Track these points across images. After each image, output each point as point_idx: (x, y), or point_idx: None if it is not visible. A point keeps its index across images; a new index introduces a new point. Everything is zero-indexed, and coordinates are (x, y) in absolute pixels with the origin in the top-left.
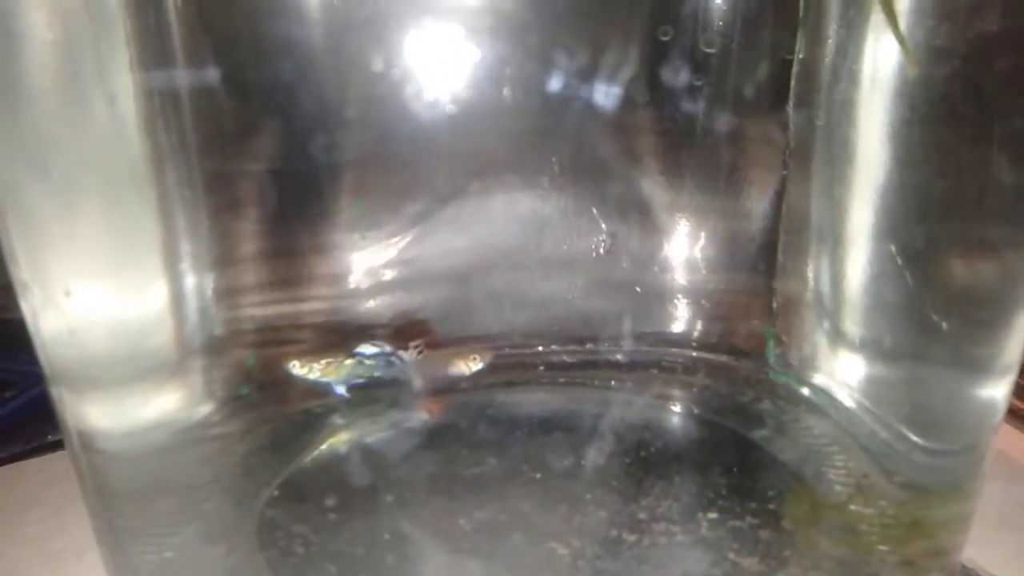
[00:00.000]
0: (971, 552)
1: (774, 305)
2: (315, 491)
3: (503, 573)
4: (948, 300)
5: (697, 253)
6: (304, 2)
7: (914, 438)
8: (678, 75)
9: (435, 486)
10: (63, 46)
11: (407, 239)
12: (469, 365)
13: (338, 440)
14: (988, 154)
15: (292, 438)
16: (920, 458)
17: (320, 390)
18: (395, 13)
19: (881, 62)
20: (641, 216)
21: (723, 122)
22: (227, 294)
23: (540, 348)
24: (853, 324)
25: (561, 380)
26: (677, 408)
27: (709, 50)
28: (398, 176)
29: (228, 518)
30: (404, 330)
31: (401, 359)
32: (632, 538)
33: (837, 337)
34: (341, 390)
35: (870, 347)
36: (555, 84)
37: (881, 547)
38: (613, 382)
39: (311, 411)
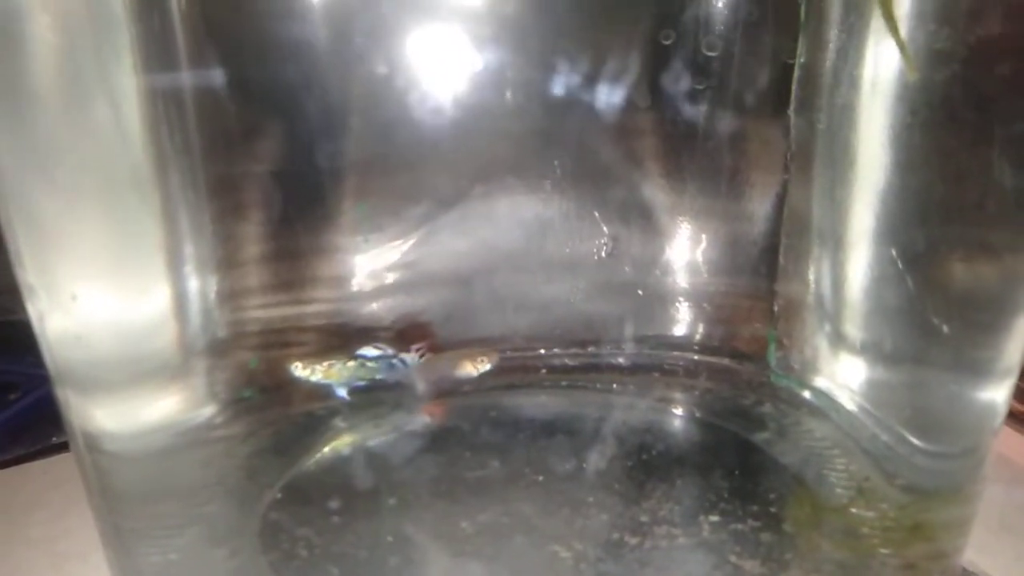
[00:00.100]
0: (972, 555)
1: (775, 308)
2: (318, 493)
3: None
4: (949, 303)
5: (699, 256)
6: (308, 6)
7: (915, 441)
8: (680, 79)
9: (438, 489)
10: (66, 50)
11: (410, 242)
12: (477, 367)
13: (341, 443)
14: (988, 158)
15: (295, 440)
16: (921, 461)
17: (323, 392)
18: (398, 17)
19: (882, 67)
20: (643, 219)
21: (725, 126)
22: (230, 296)
23: (542, 351)
24: (854, 327)
25: (563, 383)
26: (679, 411)
27: (711, 54)
28: (401, 179)
29: (231, 520)
30: (406, 333)
31: (403, 362)
32: (634, 541)
33: (838, 340)
34: (342, 392)
35: (871, 350)
36: (557, 88)
37: (882, 550)
38: (615, 385)
39: (314, 414)
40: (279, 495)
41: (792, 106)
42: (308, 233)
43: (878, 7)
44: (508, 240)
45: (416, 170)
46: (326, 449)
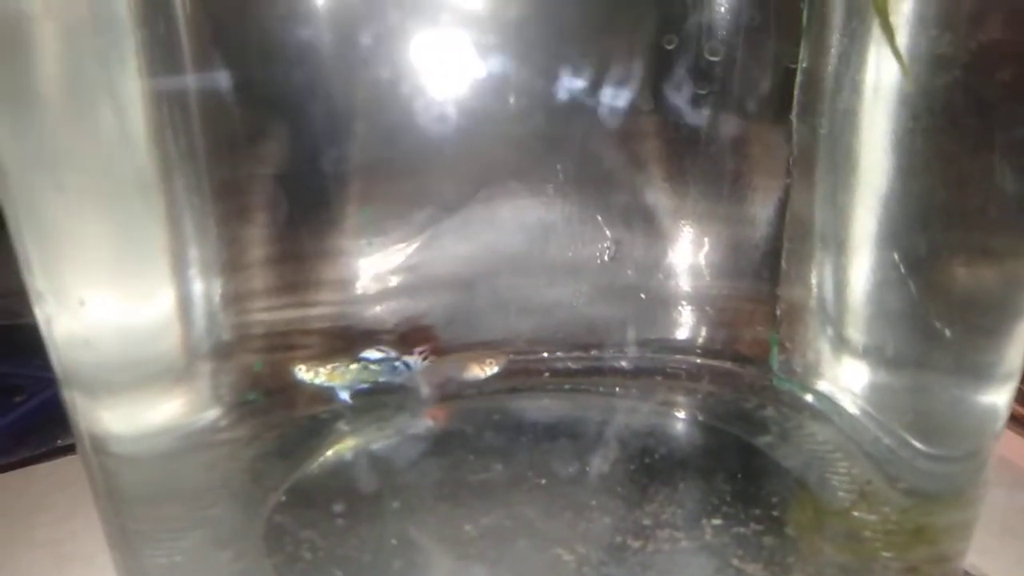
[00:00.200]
0: (974, 559)
1: (778, 312)
2: (322, 497)
3: None
4: (951, 307)
5: (701, 260)
6: (313, 10)
7: (917, 445)
8: (682, 83)
9: (441, 492)
10: (72, 56)
11: (413, 246)
12: (485, 369)
13: (345, 446)
14: (990, 163)
15: (299, 444)
16: (923, 465)
17: (327, 395)
18: (402, 22)
19: (884, 72)
20: (645, 223)
21: (727, 130)
22: (235, 299)
23: (545, 354)
24: (856, 331)
25: (566, 387)
26: (681, 415)
27: (713, 59)
28: (405, 183)
29: (236, 523)
30: (409, 336)
31: (406, 364)
32: (637, 544)
33: (841, 344)
34: (345, 396)
35: (873, 354)
36: (560, 92)
37: (884, 554)
38: (618, 389)
39: (318, 417)
40: (283, 498)
41: (794, 111)
42: (312, 236)
43: (876, 14)
44: (511, 244)
45: (420, 174)
46: (330, 452)
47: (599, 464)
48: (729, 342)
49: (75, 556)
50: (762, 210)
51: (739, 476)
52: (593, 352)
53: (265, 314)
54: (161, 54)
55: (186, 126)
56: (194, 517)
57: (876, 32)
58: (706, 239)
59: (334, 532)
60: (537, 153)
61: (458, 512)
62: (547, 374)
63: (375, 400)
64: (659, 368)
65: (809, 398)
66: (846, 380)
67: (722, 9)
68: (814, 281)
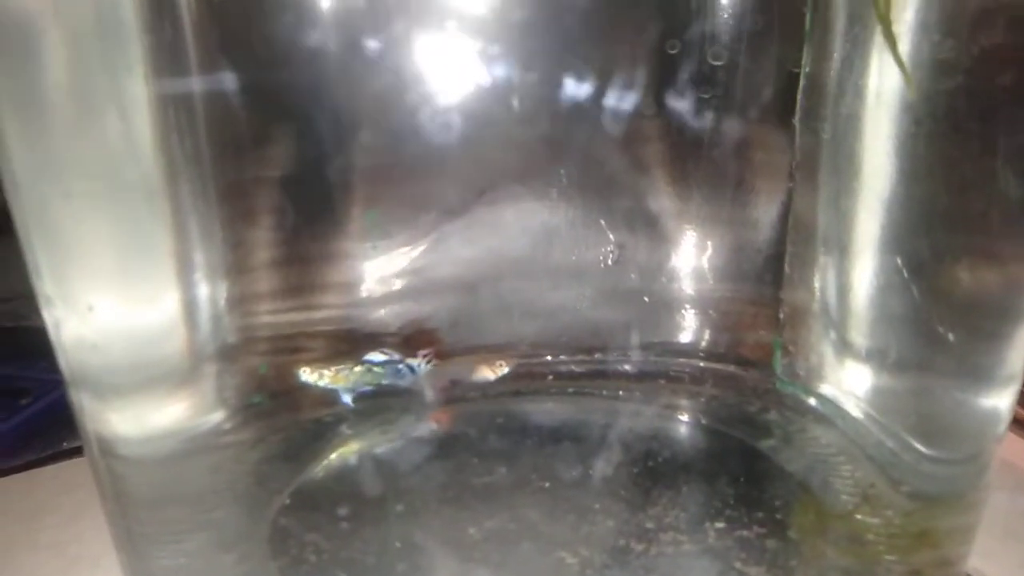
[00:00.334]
0: (976, 562)
1: (781, 315)
2: (327, 499)
3: None
4: (953, 311)
5: (704, 263)
6: (318, 15)
7: (920, 448)
8: (686, 88)
9: (445, 495)
10: (78, 62)
11: (418, 249)
12: (495, 371)
13: (349, 449)
14: (992, 167)
15: (304, 447)
16: (926, 468)
17: (331, 398)
18: (407, 26)
19: (886, 77)
20: (649, 227)
21: (730, 134)
22: (240, 302)
23: (549, 358)
24: (859, 335)
25: (570, 390)
26: (684, 418)
27: (716, 63)
28: (409, 187)
29: (240, 526)
30: (413, 339)
31: (410, 367)
32: (640, 547)
33: (844, 347)
34: (347, 399)
35: (876, 357)
36: (564, 96)
37: (887, 557)
38: (621, 392)
39: (323, 420)
40: (288, 501)
41: (797, 115)
42: (317, 239)
43: (878, 22)
44: (515, 247)
45: (424, 178)
46: (334, 455)
47: (603, 467)
48: (732, 346)
49: (81, 558)
50: (765, 214)
51: (742, 479)
52: (597, 355)
53: (270, 317)
54: (167, 59)
55: (192, 131)
56: (199, 519)
57: (879, 38)
58: (709, 243)
59: (338, 535)
60: (541, 157)
61: (462, 515)
62: (551, 377)
63: (379, 403)
64: (663, 371)
65: (812, 401)
66: (849, 383)
67: (725, 14)
68: (817, 285)
